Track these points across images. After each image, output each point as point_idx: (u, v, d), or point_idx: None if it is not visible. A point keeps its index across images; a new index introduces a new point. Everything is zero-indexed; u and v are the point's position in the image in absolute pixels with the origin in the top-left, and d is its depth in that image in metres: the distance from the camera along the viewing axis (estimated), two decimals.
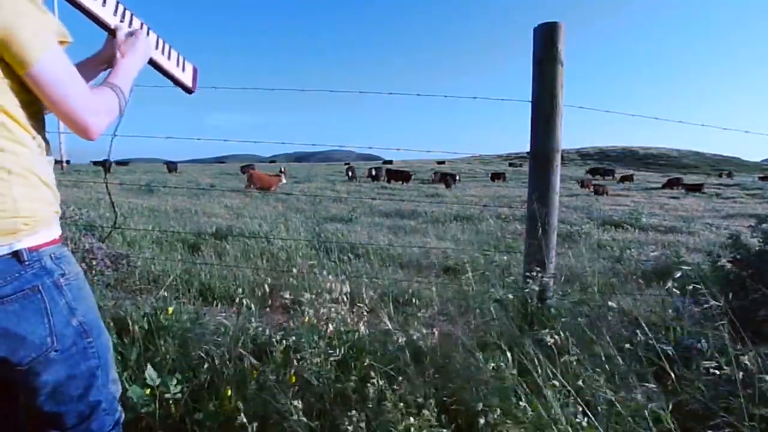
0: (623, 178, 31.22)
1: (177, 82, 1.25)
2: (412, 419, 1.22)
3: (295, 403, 1.31)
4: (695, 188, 23.48)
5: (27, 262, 0.89)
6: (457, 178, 25.27)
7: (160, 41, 1.21)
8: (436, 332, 1.80)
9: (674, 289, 1.37)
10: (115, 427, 1.08)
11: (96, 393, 1.02)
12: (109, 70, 1.07)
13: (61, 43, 0.91)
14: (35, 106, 0.92)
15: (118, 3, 1.12)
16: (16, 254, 0.88)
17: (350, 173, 27.66)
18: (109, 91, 0.98)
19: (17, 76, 0.86)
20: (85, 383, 1.00)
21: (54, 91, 0.87)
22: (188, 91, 1.29)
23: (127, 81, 1.04)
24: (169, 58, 1.23)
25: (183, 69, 1.27)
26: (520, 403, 1.19)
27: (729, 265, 2.21)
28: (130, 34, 1.10)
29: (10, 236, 0.86)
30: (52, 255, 0.95)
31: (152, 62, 1.18)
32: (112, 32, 1.09)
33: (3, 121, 0.85)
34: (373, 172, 27.48)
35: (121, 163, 36.49)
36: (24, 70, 0.84)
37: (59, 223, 1.00)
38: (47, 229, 0.94)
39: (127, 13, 1.14)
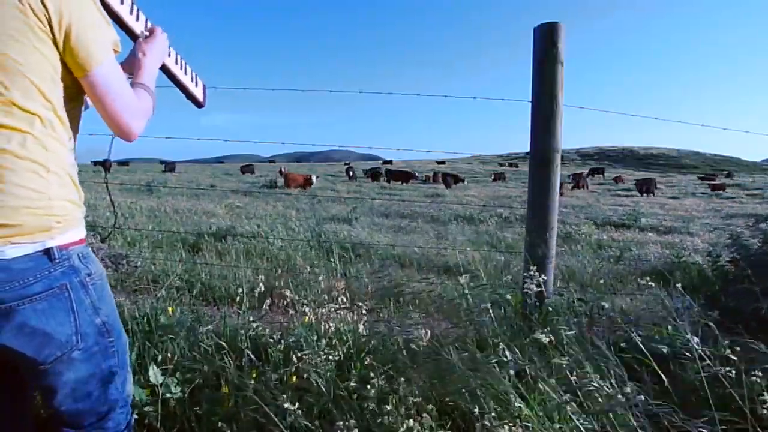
0: (616, 179, 31.41)
1: (189, 95, 1.30)
2: (411, 421, 1.22)
3: (294, 403, 1.32)
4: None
5: (57, 261, 0.90)
6: (464, 179, 24.53)
7: (173, 52, 1.24)
8: (435, 332, 1.80)
9: (673, 289, 1.37)
10: (127, 427, 1.09)
11: (114, 392, 1.03)
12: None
13: (114, 51, 0.96)
14: (77, 108, 0.97)
15: (138, 9, 1.15)
16: (47, 252, 0.89)
17: (350, 173, 27.67)
18: (145, 94, 1.03)
19: (68, 79, 0.91)
20: (105, 382, 1.01)
21: (106, 96, 0.92)
22: (199, 105, 1.34)
23: (152, 79, 1.09)
24: (185, 73, 1.28)
25: (196, 84, 1.33)
26: (517, 403, 1.20)
27: (729, 265, 2.22)
28: (149, 33, 1.13)
29: (43, 234, 0.87)
30: (80, 254, 0.96)
31: (167, 72, 1.22)
32: (136, 38, 1.12)
33: (51, 119, 0.89)
34: (372, 173, 27.43)
35: (122, 163, 36.41)
36: (83, 73, 0.90)
37: (84, 223, 1.02)
38: (76, 228, 0.96)
39: (148, 23, 1.17)
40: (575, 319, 1.46)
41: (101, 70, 0.90)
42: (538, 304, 1.89)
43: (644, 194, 20.56)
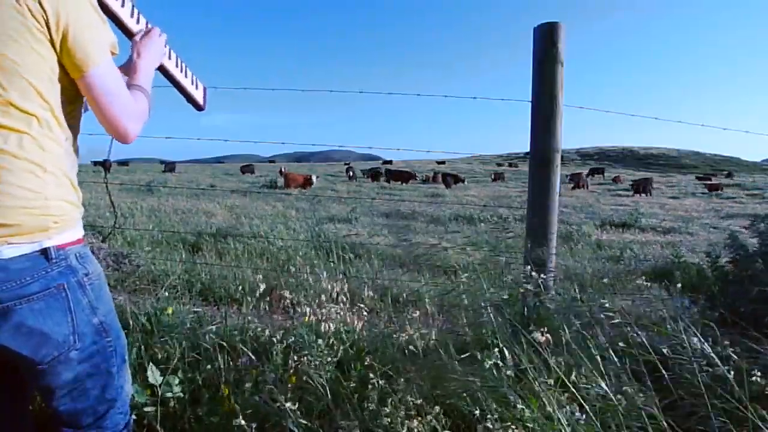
0: (615, 179, 31.46)
1: (189, 98, 1.29)
2: (413, 422, 1.22)
3: (294, 404, 1.32)
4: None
5: (54, 260, 0.90)
6: (464, 179, 24.46)
7: (173, 54, 1.23)
8: (434, 332, 1.80)
9: (673, 289, 1.37)
10: (126, 427, 1.09)
11: (112, 392, 1.03)
12: None
13: (111, 53, 0.96)
14: (76, 109, 0.97)
15: (139, 12, 1.15)
16: (44, 252, 0.89)
17: (350, 173, 27.66)
18: (142, 96, 1.02)
19: (66, 80, 0.91)
20: (103, 382, 1.01)
21: (103, 97, 0.92)
22: (199, 108, 1.33)
23: (148, 81, 1.08)
24: (185, 75, 1.27)
25: (196, 87, 1.31)
26: (518, 404, 1.20)
27: (728, 266, 2.22)
28: (145, 33, 1.13)
29: (40, 234, 0.88)
30: (77, 254, 0.96)
31: (167, 74, 1.21)
32: (133, 37, 1.12)
33: (48, 120, 0.89)
34: (372, 173, 27.38)
35: (122, 163, 36.37)
36: (80, 74, 0.90)
37: (82, 223, 1.02)
38: (73, 228, 0.96)
39: (148, 25, 1.16)
40: (575, 320, 1.46)
41: (98, 71, 0.90)
42: (537, 304, 1.89)
43: (640, 194, 20.17)
